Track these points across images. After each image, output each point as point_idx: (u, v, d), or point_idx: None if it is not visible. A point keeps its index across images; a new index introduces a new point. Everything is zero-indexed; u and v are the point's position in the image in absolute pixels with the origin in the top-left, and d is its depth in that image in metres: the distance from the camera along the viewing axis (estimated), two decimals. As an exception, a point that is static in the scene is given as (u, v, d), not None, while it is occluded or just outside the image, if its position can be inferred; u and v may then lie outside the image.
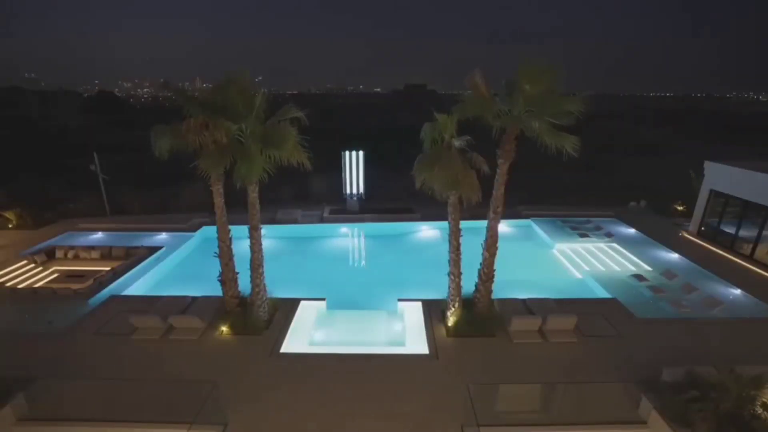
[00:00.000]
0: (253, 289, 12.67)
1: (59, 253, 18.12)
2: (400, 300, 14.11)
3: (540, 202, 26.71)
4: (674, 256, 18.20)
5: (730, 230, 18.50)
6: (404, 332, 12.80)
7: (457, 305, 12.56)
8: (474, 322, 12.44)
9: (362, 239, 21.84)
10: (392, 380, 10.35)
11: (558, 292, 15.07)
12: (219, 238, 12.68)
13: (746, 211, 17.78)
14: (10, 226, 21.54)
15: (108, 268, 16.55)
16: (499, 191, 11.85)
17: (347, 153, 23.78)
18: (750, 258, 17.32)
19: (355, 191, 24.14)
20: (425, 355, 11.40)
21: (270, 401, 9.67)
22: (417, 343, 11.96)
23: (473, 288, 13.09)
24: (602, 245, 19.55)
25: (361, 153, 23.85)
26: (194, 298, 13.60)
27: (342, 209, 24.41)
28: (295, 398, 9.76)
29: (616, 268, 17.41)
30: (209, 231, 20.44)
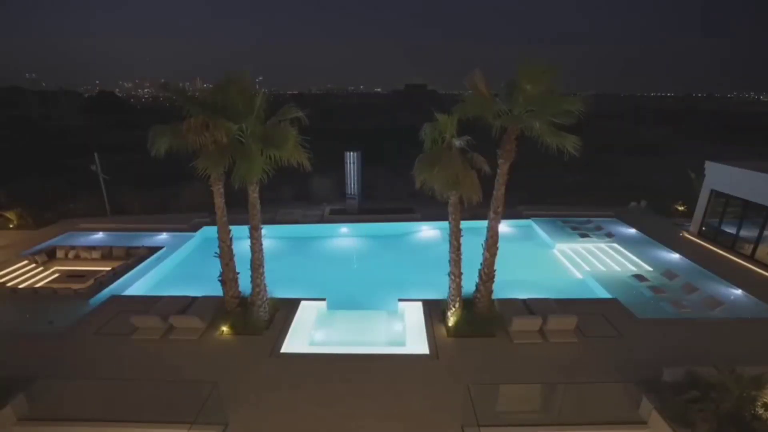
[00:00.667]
0: (253, 289, 12.67)
1: (60, 253, 18.13)
2: (400, 300, 14.11)
3: (540, 202, 26.72)
4: (675, 256, 18.19)
5: (731, 230, 18.48)
6: (404, 332, 12.79)
7: (457, 305, 12.56)
8: (474, 322, 12.43)
9: (362, 239, 21.84)
10: (392, 380, 10.35)
11: (558, 293, 15.07)
12: (219, 238, 12.69)
13: (747, 211, 17.76)
14: (10, 226, 21.55)
15: (108, 268, 16.56)
16: (499, 191, 11.84)
17: (348, 153, 23.81)
18: (751, 258, 17.30)
19: (353, 191, 24.15)
20: (425, 355, 11.40)
21: (270, 401, 9.67)
22: (417, 343, 11.95)
23: (474, 288, 13.09)
24: (603, 245, 19.54)
25: (356, 154, 23.88)
26: (194, 298, 13.59)
27: (343, 209, 24.43)
28: (296, 398, 9.77)
29: (617, 268, 17.40)
30: (209, 231, 20.45)
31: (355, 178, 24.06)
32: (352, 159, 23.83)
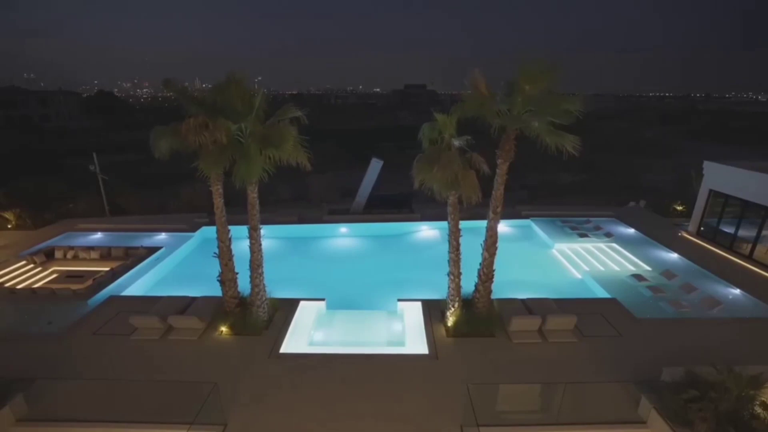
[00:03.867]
0: (252, 289, 12.66)
1: (58, 254, 18.11)
2: (399, 300, 14.10)
3: (540, 202, 26.76)
4: (673, 256, 18.21)
5: (729, 230, 18.51)
6: (404, 332, 12.79)
7: (456, 305, 12.56)
8: (473, 322, 12.43)
9: (362, 239, 21.84)
10: (392, 380, 10.35)
11: (557, 292, 15.08)
12: (218, 239, 12.66)
13: (745, 211, 17.79)
14: (9, 226, 21.55)
15: (107, 269, 16.53)
16: (498, 191, 11.84)
17: (374, 160, 23.37)
18: (749, 258, 17.33)
19: (365, 194, 24.04)
20: (425, 355, 11.40)
21: (270, 401, 9.66)
22: (417, 343, 11.96)
23: (473, 288, 13.08)
24: (602, 245, 19.55)
25: (381, 162, 23.43)
26: (194, 299, 13.57)
27: (345, 209, 24.42)
28: (295, 398, 9.76)
29: (616, 268, 17.41)
30: (209, 231, 20.46)
31: (372, 183, 23.82)
32: (375, 166, 23.37)
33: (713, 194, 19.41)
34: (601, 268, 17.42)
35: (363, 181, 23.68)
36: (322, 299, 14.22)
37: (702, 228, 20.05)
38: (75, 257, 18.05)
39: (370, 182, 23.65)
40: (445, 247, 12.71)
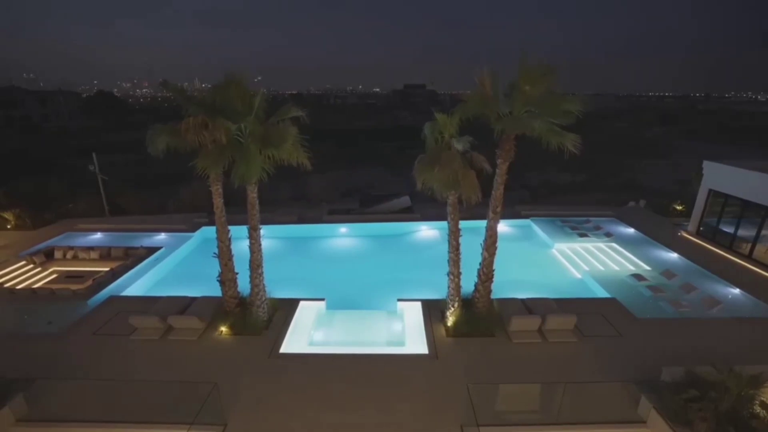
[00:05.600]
0: (252, 289, 12.66)
1: (58, 254, 18.10)
2: (399, 300, 14.11)
3: (540, 202, 26.77)
4: (673, 255, 18.22)
5: (729, 230, 18.52)
6: (404, 332, 12.79)
7: (456, 305, 12.56)
8: (473, 322, 12.43)
9: (362, 239, 21.84)
10: (392, 380, 10.35)
11: (557, 292, 15.08)
12: (218, 239, 12.66)
13: (745, 210, 17.80)
14: (8, 226, 21.52)
15: (107, 269, 16.53)
16: (498, 191, 11.84)
17: (407, 198, 25.27)
18: (749, 257, 17.34)
19: (382, 206, 25.30)
20: (425, 355, 11.40)
21: (269, 401, 9.66)
22: (417, 343, 11.96)
23: (473, 288, 13.09)
24: (602, 245, 19.56)
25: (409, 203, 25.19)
26: (193, 299, 13.57)
27: (344, 209, 24.51)
28: (295, 398, 9.76)
29: (616, 267, 17.42)
30: (208, 231, 20.45)
31: (392, 210, 25.22)
32: (404, 200, 25.16)
33: (713, 194, 19.42)
34: (601, 268, 17.42)
35: (387, 203, 25.07)
36: (322, 299, 14.22)
37: (702, 228, 20.05)
38: (75, 257, 18.05)
39: (391, 207, 25.02)
40: (445, 247, 12.71)
